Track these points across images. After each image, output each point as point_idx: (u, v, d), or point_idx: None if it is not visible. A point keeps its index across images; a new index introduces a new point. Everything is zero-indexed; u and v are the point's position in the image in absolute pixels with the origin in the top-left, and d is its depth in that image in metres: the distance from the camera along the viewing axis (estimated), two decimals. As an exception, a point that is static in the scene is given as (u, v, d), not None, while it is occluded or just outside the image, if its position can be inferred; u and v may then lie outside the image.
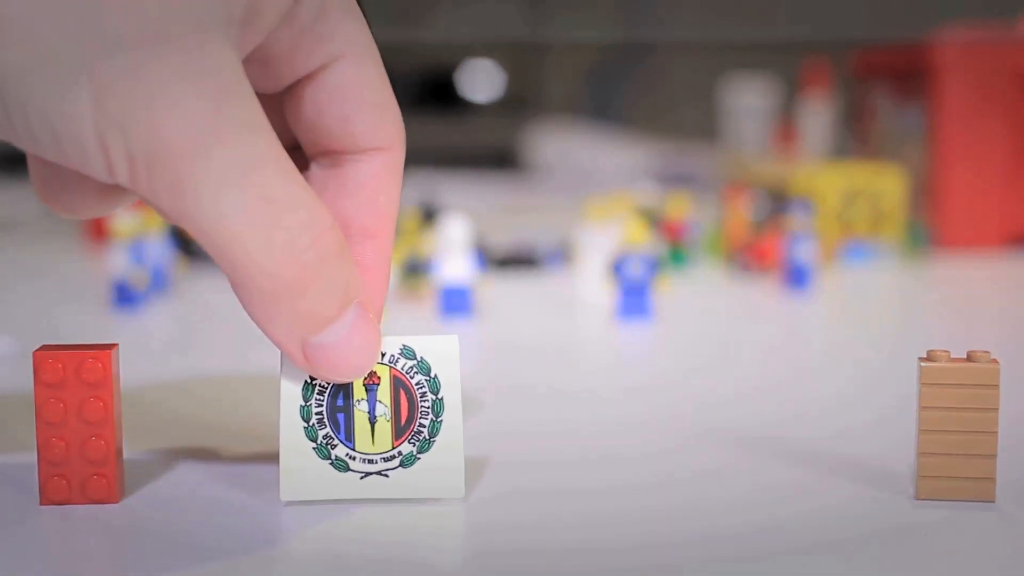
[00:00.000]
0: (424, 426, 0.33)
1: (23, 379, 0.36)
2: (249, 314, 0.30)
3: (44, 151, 0.28)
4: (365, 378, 0.33)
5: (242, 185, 0.28)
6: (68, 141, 0.27)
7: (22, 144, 0.28)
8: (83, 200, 0.32)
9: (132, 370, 0.36)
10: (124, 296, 0.66)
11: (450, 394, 0.33)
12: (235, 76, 0.28)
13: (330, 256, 0.30)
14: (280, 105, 0.33)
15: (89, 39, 0.26)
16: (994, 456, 0.33)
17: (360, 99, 0.32)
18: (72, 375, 0.32)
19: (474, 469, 0.36)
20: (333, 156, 0.33)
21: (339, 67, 0.32)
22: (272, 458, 0.33)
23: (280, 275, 0.29)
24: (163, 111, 0.27)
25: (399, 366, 0.33)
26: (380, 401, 0.33)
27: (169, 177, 0.27)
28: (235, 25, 0.29)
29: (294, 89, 0.33)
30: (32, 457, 0.33)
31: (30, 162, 0.32)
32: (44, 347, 0.33)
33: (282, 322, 0.30)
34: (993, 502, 0.33)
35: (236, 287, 0.30)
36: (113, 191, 0.32)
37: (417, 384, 0.33)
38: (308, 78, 0.32)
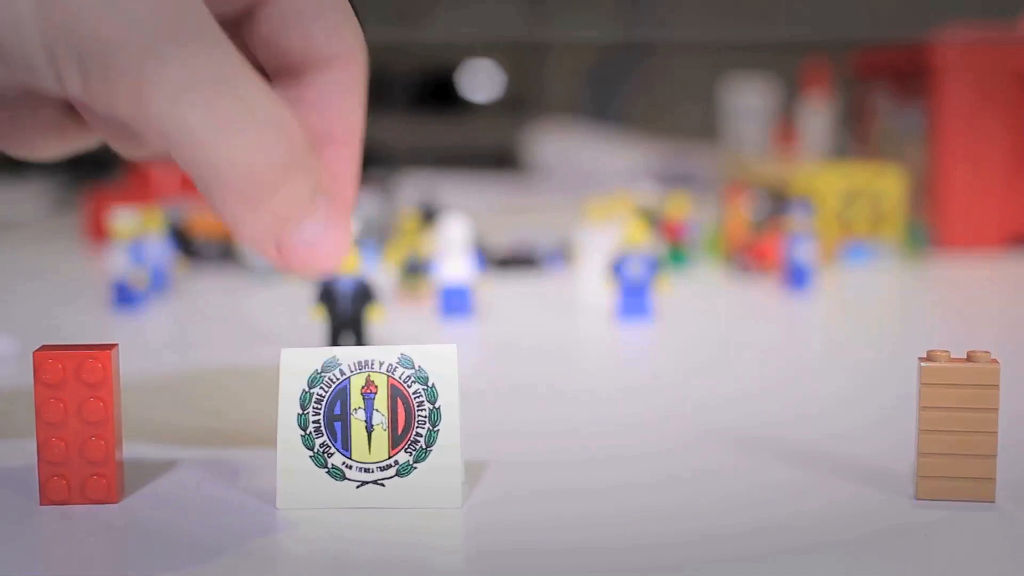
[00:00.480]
0: (421, 435, 0.33)
1: (23, 379, 0.36)
2: (221, 217, 0.30)
3: None
4: (363, 387, 0.33)
5: (205, 87, 0.27)
6: (14, 57, 0.27)
7: None
8: (36, 135, 0.32)
9: (132, 370, 0.36)
10: (124, 296, 0.66)
11: (448, 403, 0.33)
12: None
13: (298, 151, 0.30)
14: (238, 30, 0.33)
15: None
16: (994, 456, 0.33)
17: (317, 13, 0.32)
18: (72, 375, 0.32)
19: (473, 469, 0.36)
20: (295, 74, 0.33)
21: None
22: (271, 458, 0.33)
23: (251, 175, 0.29)
24: (111, 16, 0.26)
25: (397, 375, 0.33)
26: (377, 410, 0.33)
27: (127, 84, 0.27)
28: None
29: (251, 13, 0.32)
30: (32, 457, 0.33)
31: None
32: (44, 347, 0.33)
33: (255, 221, 0.30)
34: (993, 502, 0.33)
35: (207, 191, 0.29)
36: (68, 125, 0.31)
37: (415, 393, 0.33)
38: (263, 3, 0.32)
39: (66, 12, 0.26)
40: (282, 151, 0.29)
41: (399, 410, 0.33)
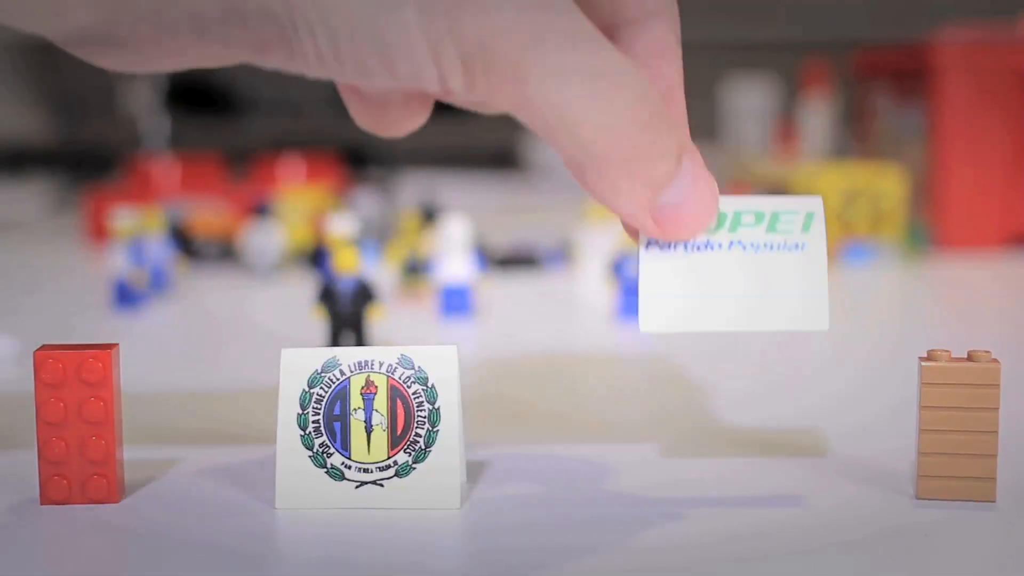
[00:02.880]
0: (420, 436, 0.33)
1: (23, 379, 0.36)
2: (592, 192, 0.31)
3: (374, 76, 0.28)
4: (363, 387, 0.33)
5: (575, 66, 0.28)
6: (400, 60, 0.28)
7: (350, 77, 0.28)
8: (401, 115, 0.33)
9: (132, 370, 0.36)
10: (124, 296, 0.66)
11: (447, 404, 0.33)
12: None
13: (660, 113, 0.30)
14: None
15: None
16: (994, 456, 0.33)
17: None
18: (72, 375, 0.32)
19: (473, 470, 0.36)
20: (605, 31, 0.33)
21: None
22: (271, 458, 0.33)
23: (624, 142, 0.29)
24: (493, 16, 0.28)
25: (397, 375, 0.33)
26: (377, 410, 0.33)
27: (507, 74, 0.28)
28: None
29: None
30: (32, 457, 0.33)
31: (346, 97, 0.33)
32: (44, 347, 0.33)
33: (630, 189, 0.30)
34: (993, 502, 0.33)
35: (580, 168, 0.30)
36: (423, 101, 0.33)
37: (414, 394, 0.33)
38: None
39: (449, 20, 0.27)
40: (648, 115, 0.30)
41: (399, 410, 0.33)
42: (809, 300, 0.32)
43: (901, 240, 0.85)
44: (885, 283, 0.79)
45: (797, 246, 0.32)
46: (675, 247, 0.32)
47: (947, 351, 0.33)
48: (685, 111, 0.34)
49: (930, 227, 0.88)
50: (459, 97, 0.29)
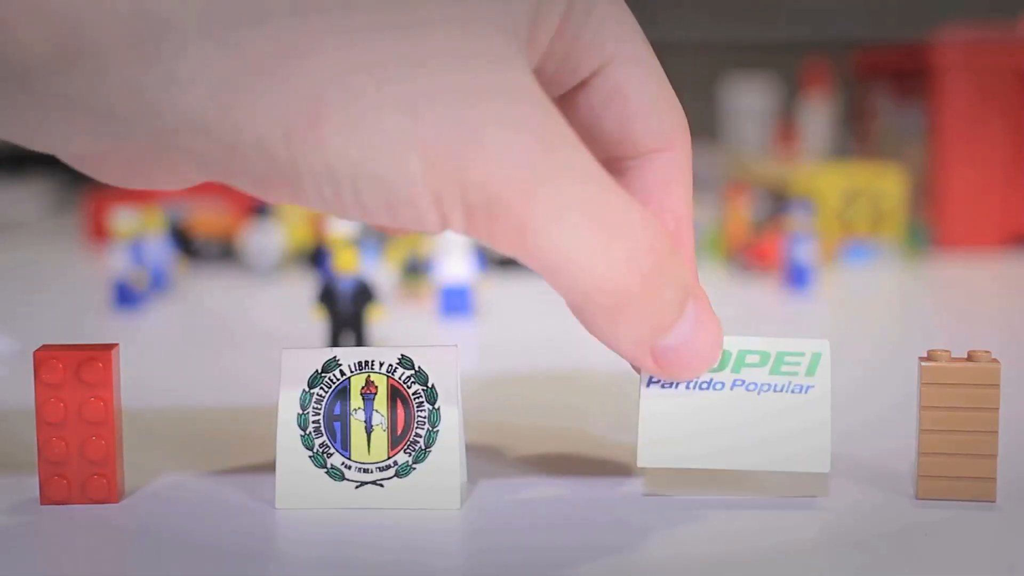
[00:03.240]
0: (420, 436, 0.33)
1: (23, 379, 0.36)
2: (593, 332, 0.31)
3: (377, 218, 0.28)
4: (363, 387, 0.33)
5: (578, 212, 0.28)
6: (402, 206, 0.28)
7: (349, 214, 0.28)
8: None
9: (132, 370, 0.36)
10: (124, 296, 0.66)
11: (447, 404, 0.33)
12: (546, 106, 0.28)
13: (666, 257, 0.30)
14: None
15: (415, 125, 0.27)
16: (994, 456, 0.33)
17: (636, 101, 0.32)
18: (72, 375, 0.32)
19: (473, 470, 0.36)
20: (614, 163, 0.33)
21: (611, 71, 0.32)
22: (270, 459, 0.33)
23: (625, 289, 0.29)
24: (496, 164, 0.27)
25: (397, 375, 0.33)
26: (377, 410, 0.33)
27: (509, 222, 0.28)
28: (524, 50, 0.29)
29: (567, 98, 0.32)
30: (32, 457, 0.33)
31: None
32: (44, 347, 0.33)
33: (629, 333, 0.30)
34: (993, 502, 0.33)
35: (578, 309, 0.30)
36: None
37: (414, 394, 0.33)
38: (581, 85, 0.32)
39: (454, 169, 0.27)
40: (653, 262, 0.29)
41: (399, 411, 0.33)
42: (810, 443, 0.32)
43: (901, 240, 0.85)
44: (885, 283, 0.79)
45: (801, 388, 0.33)
46: (677, 384, 0.32)
47: (947, 351, 0.33)
48: (693, 245, 0.33)
49: (930, 227, 0.88)
50: (461, 233, 0.29)
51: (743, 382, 0.33)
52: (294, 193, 0.28)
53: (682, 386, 0.33)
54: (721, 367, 0.33)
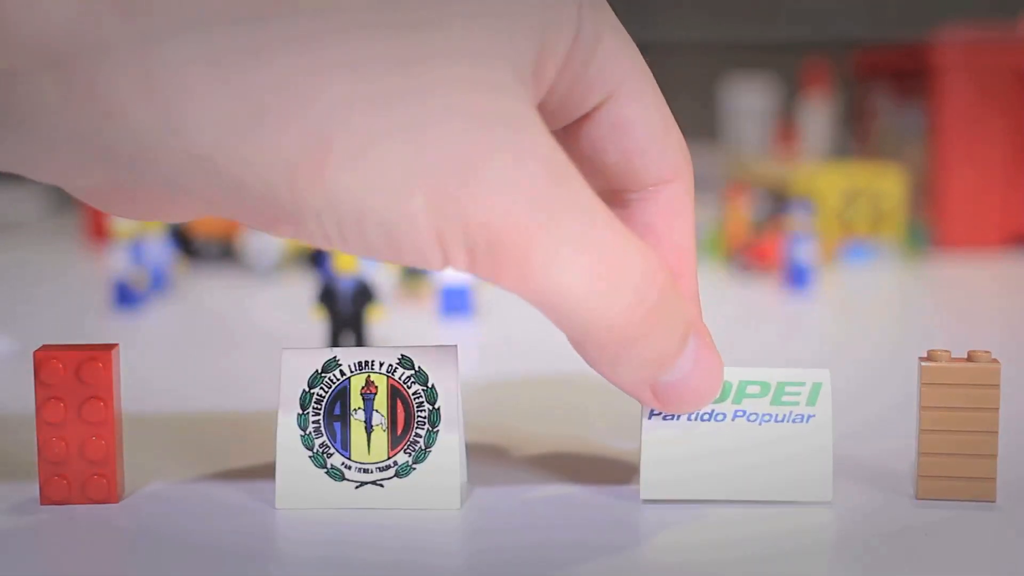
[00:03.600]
0: (420, 436, 0.33)
1: (23, 379, 0.36)
2: (593, 366, 0.31)
3: (380, 256, 0.28)
4: (363, 387, 0.33)
5: (580, 251, 0.28)
6: (405, 244, 0.28)
7: (348, 249, 0.28)
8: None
9: (132, 370, 0.36)
10: (124, 296, 0.66)
11: (448, 404, 0.33)
12: (550, 145, 0.28)
13: (667, 294, 0.30)
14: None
15: (418, 159, 0.27)
16: (994, 456, 0.33)
17: (640, 134, 0.32)
18: (72, 375, 0.32)
19: (473, 470, 0.36)
20: (616, 196, 0.33)
21: (615, 104, 0.31)
22: (270, 459, 0.33)
23: (626, 326, 0.29)
24: (500, 206, 0.27)
25: (397, 376, 0.33)
26: (377, 410, 0.33)
27: (511, 261, 0.28)
28: (531, 93, 0.29)
29: (569, 131, 0.32)
30: (32, 457, 0.33)
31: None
32: (44, 347, 0.33)
33: (629, 368, 0.30)
34: (993, 502, 0.33)
35: (579, 344, 0.30)
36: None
37: (414, 394, 0.33)
38: (584, 118, 0.32)
39: (456, 208, 0.27)
40: (652, 299, 0.29)
41: (399, 411, 0.33)
42: (812, 472, 0.33)
43: (901, 240, 0.85)
44: (885, 283, 0.79)
45: (802, 418, 0.33)
46: (678, 416, 0.33)
47: (947, 351, 0.33)
48: (696, 279, 0.33)
49: (930, 227, 0.88)
50: (464, 272, 0.29)
51: (744, 413, 0.33)
52: (298, 231, 0.28)
53: (684, 417, 0.33)
54: (722, 398, 0.33)
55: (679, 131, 0.33)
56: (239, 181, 0.27)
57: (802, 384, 0.33)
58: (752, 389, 0.33)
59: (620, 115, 0.32)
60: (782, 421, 0.33)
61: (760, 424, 0.33)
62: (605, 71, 0.31)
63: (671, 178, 0.33)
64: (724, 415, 0.33)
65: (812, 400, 0.33)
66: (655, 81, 0.32)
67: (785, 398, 0.33)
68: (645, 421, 0.33)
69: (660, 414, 0.33)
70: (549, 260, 0.28)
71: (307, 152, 0.26)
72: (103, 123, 0.26)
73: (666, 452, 0.33)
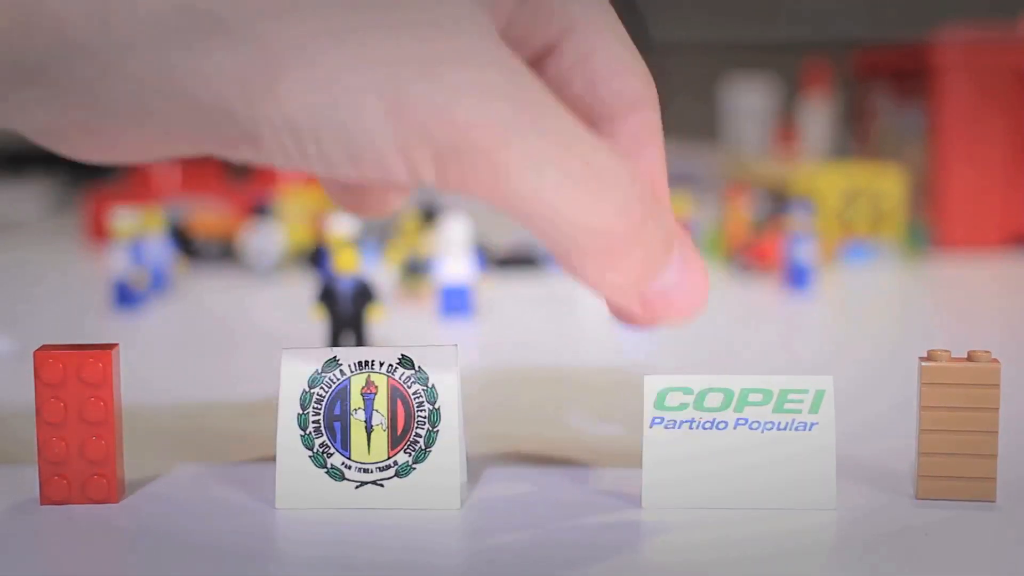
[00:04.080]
0: (420, 436, 0.33)
1: (23, 379, 0.36)
2: (579, 279, 0.30)
3: (339, 171, 0.28)
4: (363, 387, 0.33)
5: (557, 160, 0.27)
6: (366, 156, 0.27)
7: (314, 169, 0.28)
8: (380, 199, 0.33)
9: (132, 370, 0.36)
10: (124, 296, 0.66)
11: (447, 404, 0.33)
12: (516, 63, 0.28)
13: (651, 201, 0.29)
14: None
15: (373, 66, 0.26)
16: (994, 456, 0.33)
17: (602, 63, 0.32)
18: (72, 375, 0.32)
19: (473, 470, 0.36)
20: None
21: (577, 35, 0.31)
22: (271, 459, 0.33)
23: (613, 233, 0.29)
24: (466, 105, 0.27)
25: (397, 375, 0.33)
26: (377, 410, 0.33)
27: (483, 168, 0.27)
28: (490, 14, 0.28)
29: (534, 65, 0.32)
30: (32, 457, 0.33)
31: (322, 181, 0.32)
32: (44, 347, 0.33)
33: (618, 278, 0.30)
34: (993, 502, 0.33)
35: (565, 257, 0.29)
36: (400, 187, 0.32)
37: (414, 394, 0.33)
38: (547, 53, 0.32)
39: (420, 113, 0.26)
40: (635, 207, 0.29)
41: (399, 411, 0.33)
42: (815, 480, 0.33)
43: (901, 240, 0.85)
44: (885, 283, 0.79)
45: (805, 426, 0.33)
46: (680, 424, 0.33)
47: (947, 351, 0.33)
48: (669, 199, 0.33)
49: (930, 227, 0.88)
50: (433, 186, 0.28)
51: (747, 421, 0.33)
52: (258, 151, 0.27)
53: (686, 425, 0.33)
54: (724, 406, 0.33)
55: (644, 63, 0.33)
56: (193, 97, 0.26)
57: (805, 391, 0.33)
58: (754, 397, 0.33)
59: (583, 45, 0.32)
60: (785, 429, 0.33)
61: (763, 432, 0.33)
62: (562, 6, 0.31)
63: (637, 107, 0.32)
64: (726, 423, 0.33)
65: (815, 407, 0.33)
66: (615, 13, 0.32)
67: (788, 406, 0.33)
68: (647, 430, 0.33)
69: (662, 422, 0.33)
70: (525, 168, 0.27)
71: (259, 71, 0.26)
72: (58, 48, 0.26)
73: (668, 461, 0.33)
